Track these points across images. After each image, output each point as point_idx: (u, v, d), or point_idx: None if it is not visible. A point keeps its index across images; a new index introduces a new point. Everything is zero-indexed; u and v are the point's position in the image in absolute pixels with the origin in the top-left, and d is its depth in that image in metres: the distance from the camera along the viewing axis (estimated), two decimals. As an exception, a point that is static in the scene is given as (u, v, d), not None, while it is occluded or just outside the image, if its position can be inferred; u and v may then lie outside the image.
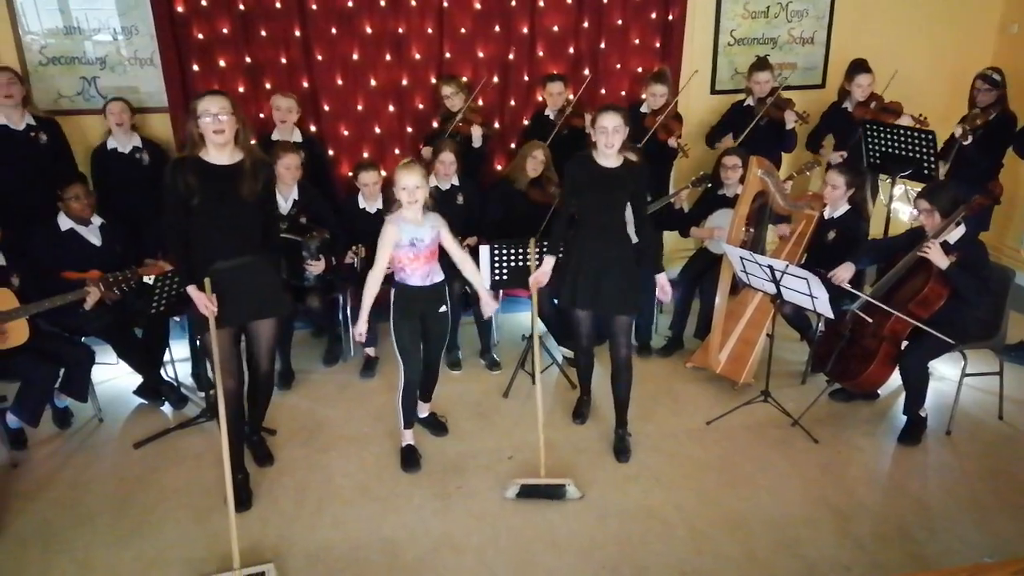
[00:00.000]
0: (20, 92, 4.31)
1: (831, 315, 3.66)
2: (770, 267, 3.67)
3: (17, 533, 3.22)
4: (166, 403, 4.20)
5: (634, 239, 3.62)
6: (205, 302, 3.11)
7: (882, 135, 4.70)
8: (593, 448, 3.77)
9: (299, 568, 3.00)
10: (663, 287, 3.70)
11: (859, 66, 4.96)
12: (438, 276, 3.48)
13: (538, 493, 3.38)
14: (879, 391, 4.13)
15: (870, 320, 3.81)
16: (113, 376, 4.39)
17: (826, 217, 4.34)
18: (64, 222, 4.00)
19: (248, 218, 3.16)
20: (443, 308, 3.54)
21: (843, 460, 3.67)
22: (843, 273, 3.84)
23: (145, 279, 3.77)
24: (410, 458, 3.62)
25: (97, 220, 4.10)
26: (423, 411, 3.92)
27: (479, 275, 3.60)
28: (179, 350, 4.46)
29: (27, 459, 3.75)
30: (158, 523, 3.27)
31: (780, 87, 5.02)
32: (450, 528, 3.22)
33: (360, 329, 3.49)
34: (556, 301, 4.37)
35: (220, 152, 3.08)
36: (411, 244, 3.36)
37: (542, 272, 3.65)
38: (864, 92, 4.96)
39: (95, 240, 4.07)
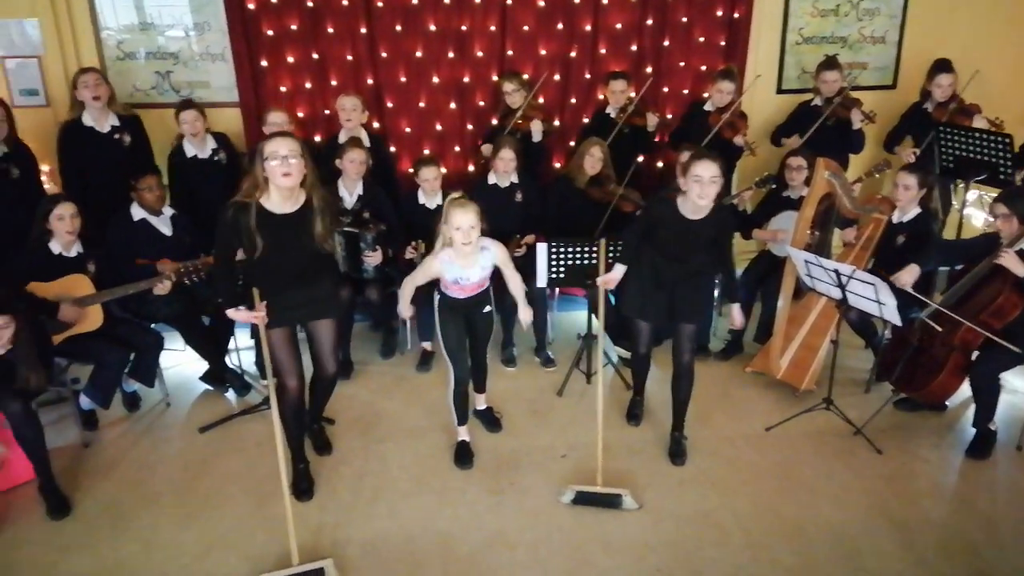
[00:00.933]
0: (106, 92, 4.39)
1: (899, 322, 3.56)
2: (836, 271, 3.59)
3: (88, 510, 3.35)
4: (230, 390, 4.31)
5: None
6: (250, 318, 3.12)
7: (956, 138, 4.55)
8: (648, 450, 3.74)
9: (355, 557, 3.05)
10: (734, 317, 3.65)
11: (940, 66, 4.81)
12: (482, 287, 3.49)
13: (594, 501, 3.33)
14: (947, 402, 4.00)
15: (939, 329, 3.69)
16: (180, 362, 4.53)
17: (895, 221, 4.21)
18: (137, 212, 4.14)
19: (311, 257, 3.14)
20: (487, 308, 3.56)
21: (907, 472, 3.57)
22: (906, 277, 3.71)
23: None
24: (463, 455, 3.64)
25: (168, 211, 4.23)
26: (480, 403, 3.95)
27: (522, 290, 3.57)
28: (244, 339, 4.57)
29: (98, 440, 3.89)
30: (220, 506, 3.36)
31: (848, 87, 4.90)
32: (503, 524, 3.24)
33: (404, 312, 3.54)
34: (613, 301, 4.35)
35: (284, 198, 3.01)
36: (455, 282, 3.37)
37: (611, 277, 3.61)
38: (944, 93, 4.80)
39: (166, 230, 4.20)
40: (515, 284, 3.53)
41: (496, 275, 3.53)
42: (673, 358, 3.60)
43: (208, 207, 4.34)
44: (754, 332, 4.64)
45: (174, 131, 4.59)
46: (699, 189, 3.17)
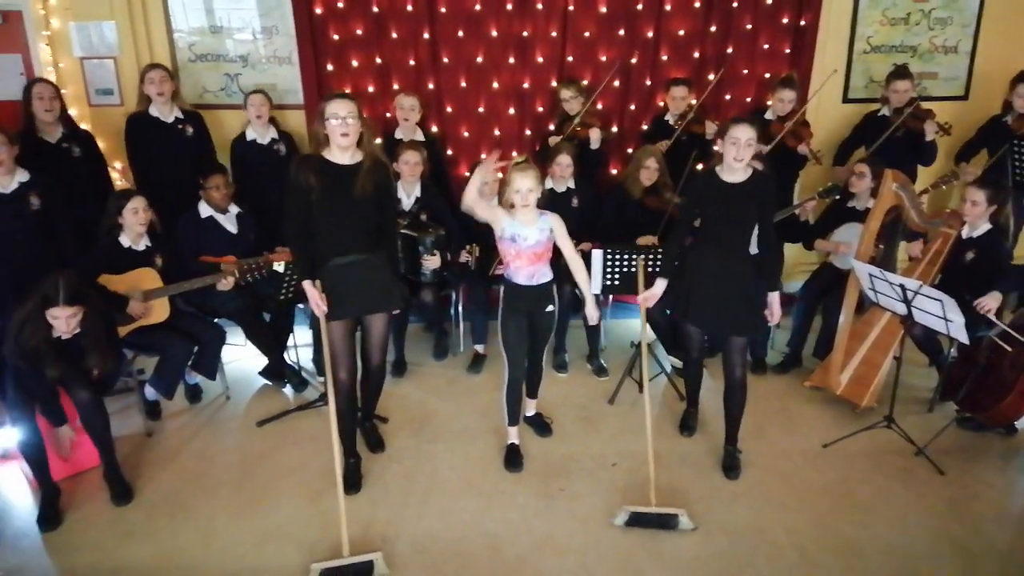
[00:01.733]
0: (170, 88, 4.58)
1: (966, 340, 3.45)
2: (902, 286, 3.49)
3: (149, 498, 3.46)
4: (288, 385, 4.40)
5: (754, 249, 3.50)
6: (317, 300, 3.24)
7: (1031, 151, 4.39)
8: (701, 462, 3.70)
9: (405, 554, 3.08)
10: (772, 309, 3.49)
11: (1022, 75, 4.64)
12: (545, 277, 3.49)
13: (648, 522, 3.24)
14: (1017, 425, 3.85)
15: (1009, 349, 3.56)
16: (240, 357, 4.64)
17: (964, 236, 4.07)
18: (204, 209, 4.26)
19: (364, 216, 3.26)
20: (550, 307, 3.56)
21: (971, 495, 3.45)
22: (990, 303, 3.60)
23: (275, 266, 3.98)
24: (513, 459, 3.65)
25: (234, 209, 4.34)
26: (530, 409, 3.95)
27: (588, 283, 3.57)
28: (302, 335, 4.66)
29: (160, 430, 4.01)
30: (276, 499, 3.43)
31: (919, 97, 4.76)
32: (552, 529, 3.23)
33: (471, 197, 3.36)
34: (669, 311, 4.30)
35: (343, 153, 3.21)
36: (511, 239, 3.39)
37: (651, 294, 3.59)
38: None
39: (231, 228, 4.31)
40: (582, 277, 3.53)
41: (556, 272, 3.53)
42: (724, 373, 3.55)
43: (260, 194, 4.57)
44: (814, 346, 4.54)
45: (240, 131, 4.73)
46: (735, 151, 3.25)
